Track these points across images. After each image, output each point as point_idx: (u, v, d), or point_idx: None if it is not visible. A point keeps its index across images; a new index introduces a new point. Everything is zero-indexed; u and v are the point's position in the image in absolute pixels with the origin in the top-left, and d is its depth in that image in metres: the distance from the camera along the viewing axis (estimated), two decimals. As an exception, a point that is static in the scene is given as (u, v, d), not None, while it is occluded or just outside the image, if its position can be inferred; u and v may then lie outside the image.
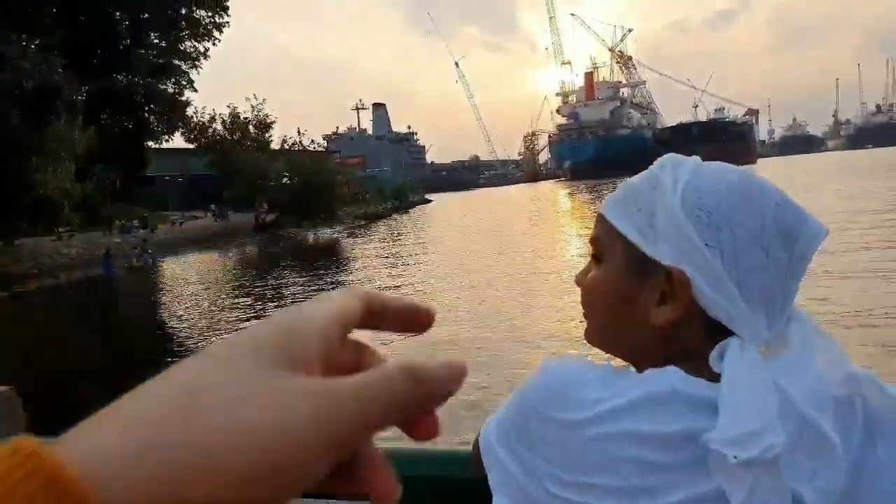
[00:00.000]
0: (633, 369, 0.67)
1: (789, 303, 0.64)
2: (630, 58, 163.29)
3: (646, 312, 0.67)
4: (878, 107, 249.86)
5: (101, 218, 32.90)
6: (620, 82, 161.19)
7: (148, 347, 12.34)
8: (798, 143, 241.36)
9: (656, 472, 0.58)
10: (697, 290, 0.63)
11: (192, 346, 11.51)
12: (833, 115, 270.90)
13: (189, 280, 22.56)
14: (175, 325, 13.96)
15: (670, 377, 0.61)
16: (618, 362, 0.69)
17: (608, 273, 0.70)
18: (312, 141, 52.33)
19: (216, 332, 12.64)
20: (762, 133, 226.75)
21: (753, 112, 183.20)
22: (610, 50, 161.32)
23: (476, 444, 0.73)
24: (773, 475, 0.55)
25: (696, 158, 0.70)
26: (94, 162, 30.72)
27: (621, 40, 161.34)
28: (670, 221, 0.64)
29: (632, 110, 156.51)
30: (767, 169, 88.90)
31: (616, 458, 0.59)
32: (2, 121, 21.32)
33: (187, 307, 16.38)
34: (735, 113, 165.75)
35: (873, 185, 34.26)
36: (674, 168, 0.68)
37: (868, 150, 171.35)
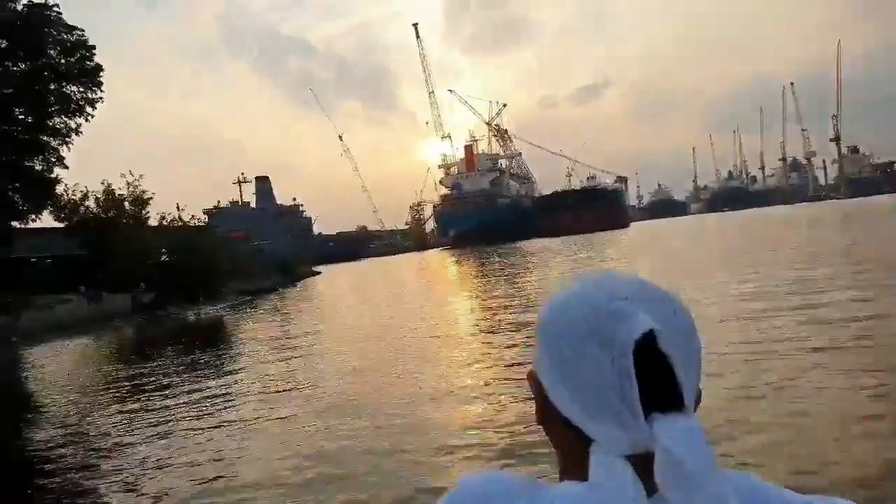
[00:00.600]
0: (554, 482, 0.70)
1: (636, 404, 0.61)
2: (506, 131, 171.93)
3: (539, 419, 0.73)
4: (730, 173, 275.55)
5: (-42, 305, 30.55)
6: (498, 154, 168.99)
7: (11, 454, 11.70)
8: (664, 206, 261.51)
9: None
10: (547, 393, 0.68)
11: (62, 445, 11.12)
12: (693, 181, 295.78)
13: (59, 371, 21.36)
14: (43, 424, 13.31)
15: (560, 493, 0.64)
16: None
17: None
18: (192, 216, 51.47)
19: (90, 426, 12.24)
20: (632, 198, 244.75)
21: (623, 179, 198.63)
22: (487, 124, 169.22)
23: None
24: None
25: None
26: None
27: (497, 115, 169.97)
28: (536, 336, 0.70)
29: (511, 180, 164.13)
30: (639, 231, 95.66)
31: None
32: None
33: (57, 402, 15.62)
34: (606, 180, 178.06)
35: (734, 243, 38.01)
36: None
37: (724, 213, 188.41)
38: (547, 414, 0.70)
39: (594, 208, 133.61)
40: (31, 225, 42.56)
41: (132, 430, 11.26)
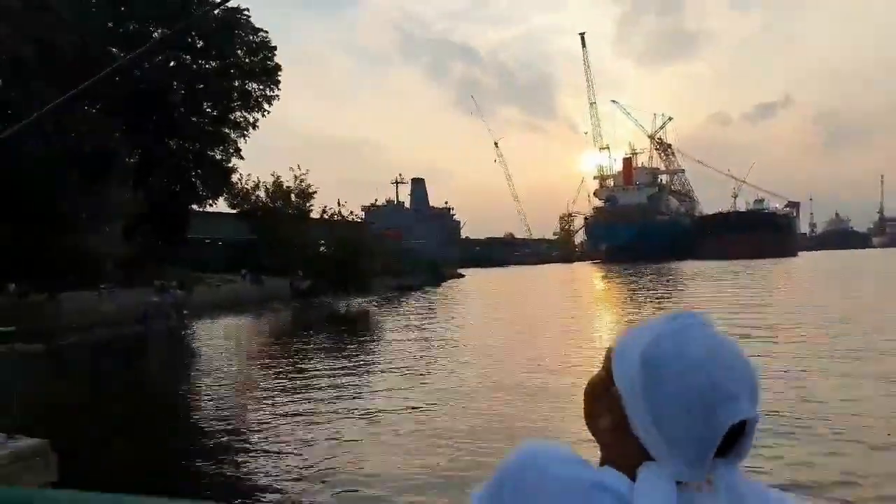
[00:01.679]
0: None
1: (709, 451, 0.74)
2: (669, 145, 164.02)
3: (599, 421, 0.84)
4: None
5: (142, 277, 33.67)
6: (659, 169, 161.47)
7: (177, 407, 12.37)
8: (840, 237, 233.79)
9: None
10: (626, 409, 0.79)
11: (217, 408, 11.49)
12: (878, 212, 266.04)
13: (221, 344, 22.74)
14: (203, 387, 13.99)
15: (607, 475, 0.77)
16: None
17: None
18: (351, 212, 53.41)
19: (242, 395, 12.63)
20: (803, 226, 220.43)
21: (794, 205, 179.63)
22: (649, 137, 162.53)
23: None
24: None
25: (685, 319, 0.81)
26: (140, 223, 31.73)
27: (661, 128, 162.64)
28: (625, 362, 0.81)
29: (670, 197, 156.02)
30: (809, 262, 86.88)
31: None
32: (59, 182, 22.33)
33: (216, 370, 16.45)
34: (775, 205, 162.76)
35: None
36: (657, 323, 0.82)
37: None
38: (614, 417, 0.81)
39: (759, 233, 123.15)
40: (208, 209, 46.40)
41: (279, 401, 11.47)
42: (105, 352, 21.87)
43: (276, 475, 7.66)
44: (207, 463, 8.27)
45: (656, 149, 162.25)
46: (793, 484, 6.38)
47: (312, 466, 7.87)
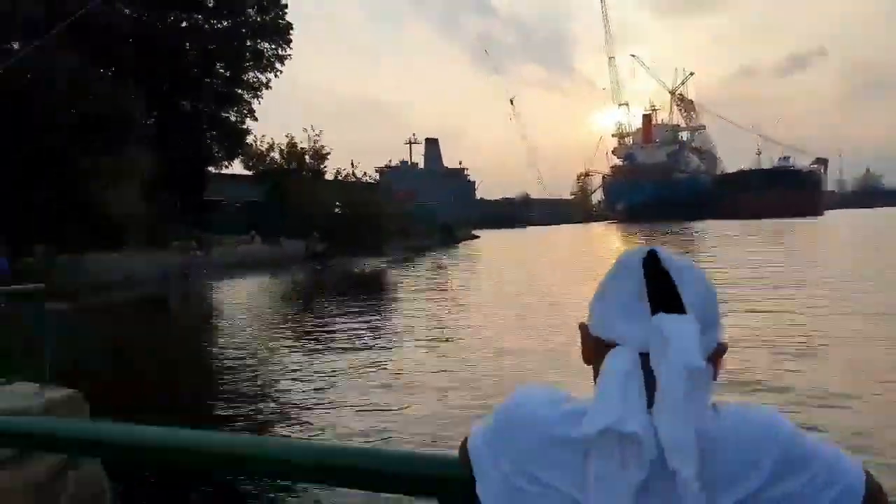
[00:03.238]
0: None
1: (645, 302, 0.82)
2: (691, 101, 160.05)
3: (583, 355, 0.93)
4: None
5: (162, 238, 34.24)
6: (679, 125, 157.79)
7: (200, 363, 12.85)
8: (870, 195, 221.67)
9: (574, 467, 0.80)
10: (589, 330, 0.89)
11: (239, 364, 11.93)
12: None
13: (240, 302, 23.28)
14: (225, 343, 14.47)
15: (586, 403, 0.84)
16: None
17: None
18: (365, 173, 53.52)
19: (262, 351, 13.08)
20: (831, 183, 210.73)
21: (822, 161, 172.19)
22: (670, 93, 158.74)
23: (463, 446, 0.98)
24: (629, 448, 0.75)
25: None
26: (158, 184, 32.16)
27: (682, 83, 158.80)
28: None
29: (691, 154, 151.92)
30: (837, 221, 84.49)
31: (551, 456, 0.83)
32: (79, 145, 22.66)
33: (237, 327, 16.97)
34: (802, 162, 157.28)
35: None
36: None
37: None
38: (587, 347, 0.89)
39: (783, 191, 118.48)
40: (224, 171, 46.75)
41: (297, 358, 11.90)
42: (129, 311, 22.49)
43: (300, 411, 8.05)
44: (236, 409, 8.74)
45: (677, 105, 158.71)
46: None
47: (337, 414, 8.31)
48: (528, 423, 0.86)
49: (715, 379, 0.82)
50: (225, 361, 12.31)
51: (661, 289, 0.82)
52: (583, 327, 0.91)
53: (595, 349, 0.86)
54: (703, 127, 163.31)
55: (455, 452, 1.02)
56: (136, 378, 10.81)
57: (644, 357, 0.80)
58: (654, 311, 0.80)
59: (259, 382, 10.46)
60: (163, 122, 37.81)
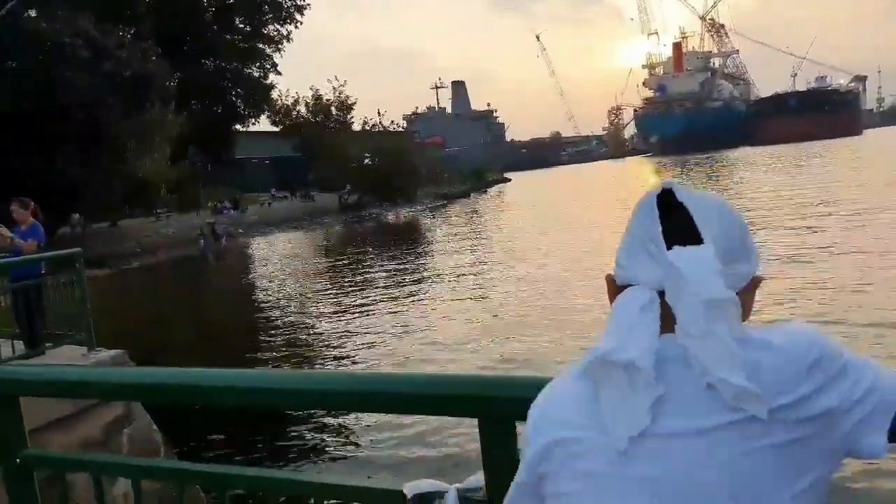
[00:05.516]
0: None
1: (659, 238, 0.78)
2: (722, 25, 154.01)
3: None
4: None
5: (195, 199, 34.48)
6: (711, 52, 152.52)
7: (237, 320, 12.91)
8: None
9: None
10: (615, 278, 0.84)
11: (277, 321, 11.94)
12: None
13: (277, 258, 23.38)
14: (263, 300, 14.52)
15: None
16: None
17: None
18: (392, 122, 52.87)
19: (301, 306, 13.07)
20: (870, 102, 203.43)
21: (861, 79, 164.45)
22: (700, 18, 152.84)
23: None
24: (634, 377, 0.73)
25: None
26: (186, 146, 32.15)
27: (713, 7, 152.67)
28: None
29: (723, 81, 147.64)
30: (874, 140, 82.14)
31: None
32: (103, 110, 22.55)
33: (273, 283, 17.00)
34: (839, 81, 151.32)
35: None
36: None
37: None
38: (612, 297, 0.84)
39: (819, 113, 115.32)
40: (251, 129, 46.58)
41: (337, 304, 11.88)
42: (166, 272, 22.79)
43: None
44: (279, 358, 8.76)
45: (708, 30, 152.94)
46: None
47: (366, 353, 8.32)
48: (529, 426, 0.84)
49: (748, 311, 0.80)
50: (262, 320, 12.33)
51: (678, 224, 0.78)
52: (608, 279, 0.86)
53: (616, 297, 0.83)
54: (737, 52, 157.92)
55: (494, 373, 0.88)
56: (177, 335, 10.91)
57: (662, 295, 0.77)
58: (669, 248, 0.77)
59: (290, 339, 10.43)
60: (186, 83, 37.62)
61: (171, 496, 1.44)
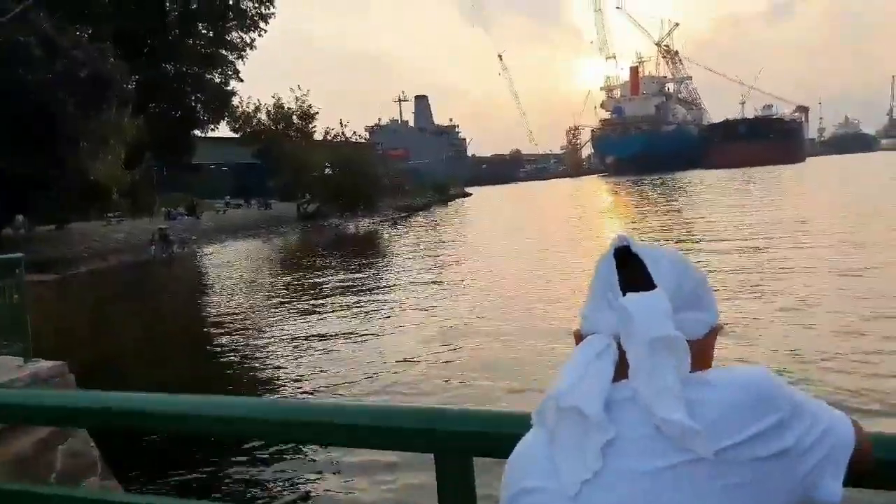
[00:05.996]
0: None
1: (616, 287, 0.80)
2: (676, 52, 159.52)
3: None
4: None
5: (149, 204, 33.65)
6: (666, 77, 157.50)
7: (187, 329, 12.59)
8: (848, 141, 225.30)
9: None
10: (581, 330, 0.85)
11: (227, 329, 11.68)
12: (888, 114, 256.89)
13: (230, 267, 22.93)
14: (213, 310, 14.21)
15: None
16: None
17: None
18: (354, 132, 52.61)
19: (252, 318, 12.82)
20: (812, 131, 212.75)
21: (803, 109, 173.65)
22: (656, 44, 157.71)
23: None
24: (580, 424, 0.74)
25: None
26: (143, 150, 31.39)
27: (668, 34, 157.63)
28: None
29: (678, 106, 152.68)
30: (816, 167, 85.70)
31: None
32: (56, 109, 21.86)
33: (226, 293, 16.67)
34: (784, 110, 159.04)
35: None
36: None
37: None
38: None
39: (766, 140, 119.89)
40: (211, 134, 45.82)
41: (290, 317, 11.69)
42: (115, 279, 22.15)
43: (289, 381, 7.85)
44: (222, 379, 8.50)
45: (663, 56, 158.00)
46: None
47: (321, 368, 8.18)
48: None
49: (709, 360, 0.80)
50: (209, 331, 12.03)
51: (633, 274, 0.80)
52: (575, 333, 0.87)
53: None
54: (690, 78, 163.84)
55: (450, 406, 0.98)
56: (120, 347, 10.57)
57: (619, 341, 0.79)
58: (624, 295, 0.79)
59: (236, 357, 10.21)
60: (145, 86, 36.83)
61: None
